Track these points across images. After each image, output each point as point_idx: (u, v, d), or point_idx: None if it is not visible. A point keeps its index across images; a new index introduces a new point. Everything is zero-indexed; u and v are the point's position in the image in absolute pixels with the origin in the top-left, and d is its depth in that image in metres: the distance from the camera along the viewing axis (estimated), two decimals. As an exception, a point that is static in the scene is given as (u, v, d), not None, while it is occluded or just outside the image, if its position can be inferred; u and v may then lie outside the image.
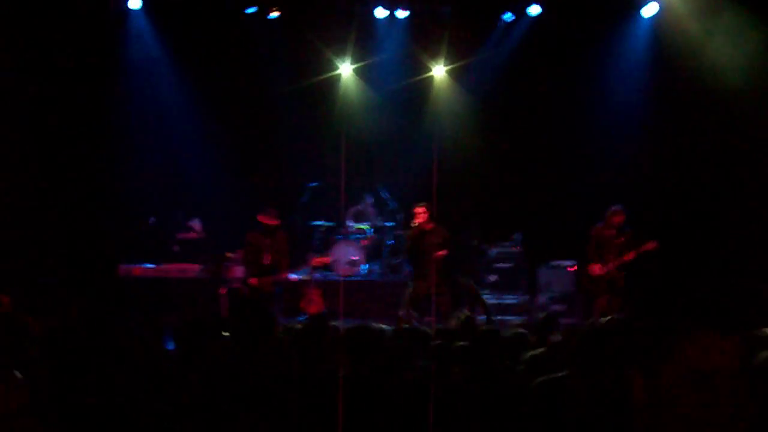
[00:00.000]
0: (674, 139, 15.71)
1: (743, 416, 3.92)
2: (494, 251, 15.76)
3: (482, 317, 13.43)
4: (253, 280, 12.99)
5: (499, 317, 14.37)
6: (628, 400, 4.31)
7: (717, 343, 3.40)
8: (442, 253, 12.96)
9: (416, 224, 13.27)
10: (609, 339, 5.34)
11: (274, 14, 16.21)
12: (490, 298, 15.25)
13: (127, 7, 15.80)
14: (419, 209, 13.28)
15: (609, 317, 7.74)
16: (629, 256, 12.86)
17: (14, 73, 13.75)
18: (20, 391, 5.33)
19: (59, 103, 14.92)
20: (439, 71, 16.71)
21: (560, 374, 5.60)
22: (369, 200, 16.98)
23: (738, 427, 3.67)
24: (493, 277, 15.58)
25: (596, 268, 12.99)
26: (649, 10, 15.64)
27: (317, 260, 13.78)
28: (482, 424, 5.93)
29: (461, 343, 7.18)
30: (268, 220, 13.31)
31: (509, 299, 15.34)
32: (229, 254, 13.60)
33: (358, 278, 15.84)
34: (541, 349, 7.20)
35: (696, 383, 2.76)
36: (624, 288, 13.00)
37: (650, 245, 12.83)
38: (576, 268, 13.68)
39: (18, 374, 5.48)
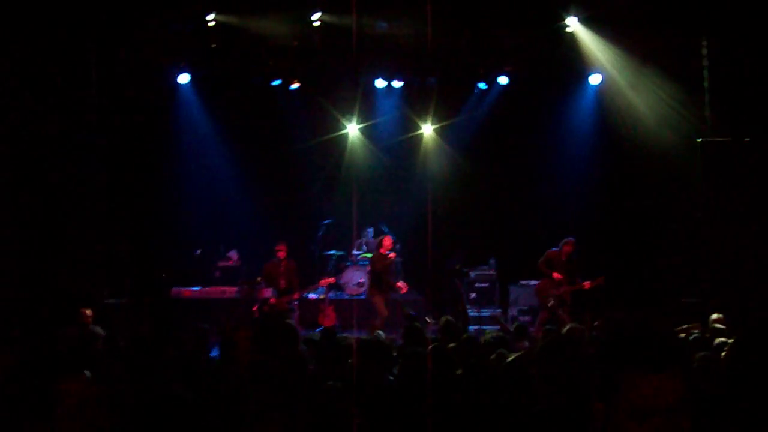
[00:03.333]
0: (613, 179, 15.79)
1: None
2: (473, 273, 15.74)
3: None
4: (272, 300, 13.04)
5: (478, 326, 14.34)
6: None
7: (657, 383, 3.30)
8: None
9: (385, 252, 13.36)
10: (567, 346, 5.33)
11: (295, 85, 16.26)
12: (470, 311, 15.22)
13: (177, 83, 15.90)
14: (388, 243, 13.40)
15: (569, 327, 7.76)
16: (585, 286, 12.92)
17: (89, 136, 13.78)
18: (89, 387, 5.30)
19: (129, 161, 14.98)
20: (427, 129, 16.77)
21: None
22: (369, 233, 16.94)
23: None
24: (473, 295, 15.55)
25: (556, 274, 13.01)
26: (594, 79, 15.71)
27: (325, 281, 13.74)
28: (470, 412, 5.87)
29: (451, 344, 7.15)
30: (281, 252, 13.35)
31: (486, 312, 15.29)
32: (259, 279, 13.56)
33: (364, 297, 15.74)
34: (516, 354, 7.17)
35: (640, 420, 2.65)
36: (570, 304, 13.04)
37: (600, 280, 12.90)
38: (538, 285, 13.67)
39: (87, 373, 5.46)
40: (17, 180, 12.39)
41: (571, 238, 13.27)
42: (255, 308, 13.13)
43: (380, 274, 13.36)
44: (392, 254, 13.52)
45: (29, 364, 5.71)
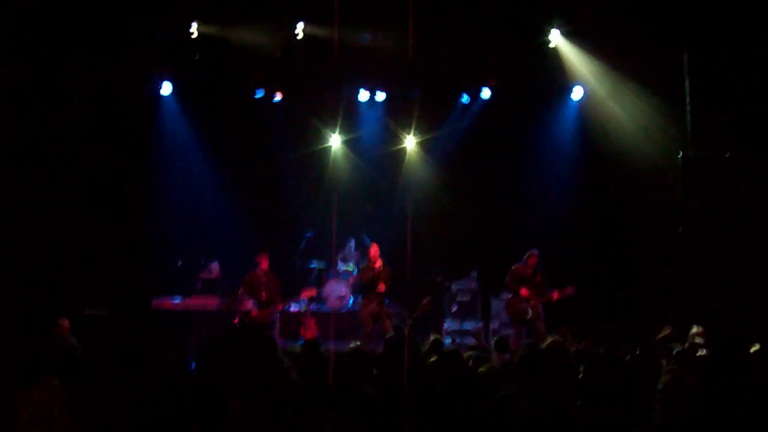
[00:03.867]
0: (595, 192, 15.86)
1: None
2: (455, 286, 15.73)
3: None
4: (253, 313, 12.97)
5: (459, 340, 14.35)
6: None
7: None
8: (383, 286, 13.19)
9: (371, 263, 13.37)
10: (545, 360, 5.34)
11: (278, 97, 16.24)
12: (452, 325, 15.23)
13: (159, 93, 15.85)
14: (374, 248, 13.36)
15: (550, 341, 7.78)
16: (554, 298, 12.88)
17: (70, 145, 13.73)
18: (59, 394, 5.29)
19: (111, 171, 14.91)
20: (410, 142, 16.76)
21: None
22: (351, 245, 16.94)
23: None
24: (454, 307, 15.53)
25: (524, 291, 12.96)
26: (576, 94, 15.77)
27: (307, 293, 13.69)
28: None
29: (432, 358, 7.15)
30: (263, 263, 13.30)
31: (468, 325, 15.28)
32: (240, 291, 13.49)
33: (346, 310, 15.72)
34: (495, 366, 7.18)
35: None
36: (545, 317, 13.01)
37: (570, 290, 12.86)
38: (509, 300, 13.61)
39: (56, 381, 5.44)
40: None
41: (534, 251, 13.25)
42: (236, 320, 13.07)
43: (368, 285, 13.35)
44: (379, 262, 13.44)
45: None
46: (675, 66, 13.47)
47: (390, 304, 14.45)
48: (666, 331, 9.36)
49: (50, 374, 5.52)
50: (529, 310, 12.96)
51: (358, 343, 8.60)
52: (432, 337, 9.71)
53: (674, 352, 7.71)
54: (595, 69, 14.65)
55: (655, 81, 13.89)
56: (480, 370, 6.99)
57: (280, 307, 13.43)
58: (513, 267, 13.33)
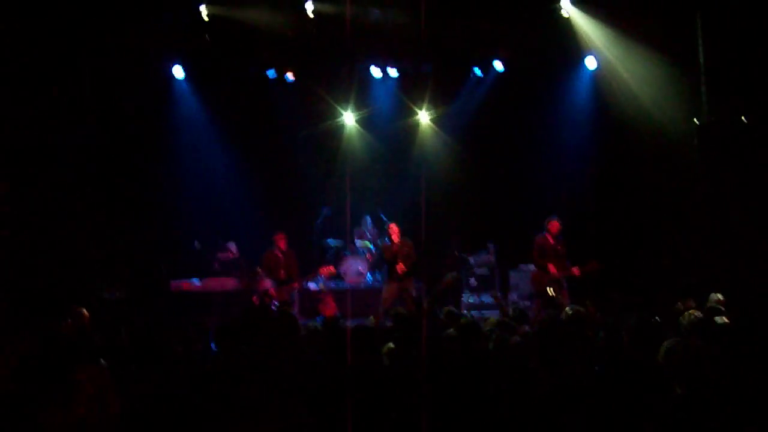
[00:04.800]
0: (611, 162, 15.71)
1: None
2: (473, 259, 15.70)
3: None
4: (272, 291, 12.98)
5: (478, 312, 14.32)
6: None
7: None
8: (402, 267, 12.96)
9: (391, 240, 13.26)
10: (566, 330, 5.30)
11: (290, 75, 16.20)
12: (470, 297, 15.22)
13: (173, 75, 15.84)
14: (393, 228, 13.25)
15: (572, 310, 7.74)
16: (575, 273, 12.64)
17: (84, 129, 13.74)
18: (105, 375, 5.34)
19: (126, 156, 14.96)
20: (423, 117, 16.74)
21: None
22: (368, 221, 16.93)
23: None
24: (472, 281, 15.51)
25: (552, 269, 12.75)
26: (590, 63, 15.62)
27: (325, 270, 13.68)
28: (467, 401, 5.85)
29: (449, 331, 7.13)
30: (281, 242, 13.31)
31: (486, 298, 15.26)
32: (259, 270, 13.49)
33: (364, 286, 15.74)
34: (517, 338, 7.15)
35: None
36: (568, 286, 12.85)
37: (594, 265, 12.59)
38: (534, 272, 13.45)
39: (103, 362, 5.49)
40: (13, 176, 12.37)
41: (554, 217, 12.93)
42: (255, 299, 13.10)
43: (389, 264, 13.28)
44: (396, 240, 13.29)
45: (43, 352, 5.74)
46: (688, 31, 13.32)
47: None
48: (688, 303, 9.26)
49: (97, 355, 5.59)
50: (550, 290, 12.69)
51: (371, 319, 8.60)
52: (445, 310, 9.69)
53: (694, 320, 7.66)
54: (609, 37, 14.48)
55: (669, 47, 13.73)
56: (500, 342, 6.98)
57: (297, 285, 13.44)
58: (536, 240, 13.02)
